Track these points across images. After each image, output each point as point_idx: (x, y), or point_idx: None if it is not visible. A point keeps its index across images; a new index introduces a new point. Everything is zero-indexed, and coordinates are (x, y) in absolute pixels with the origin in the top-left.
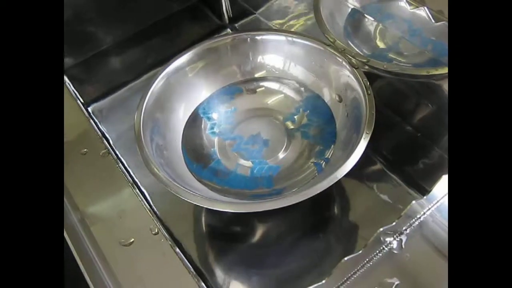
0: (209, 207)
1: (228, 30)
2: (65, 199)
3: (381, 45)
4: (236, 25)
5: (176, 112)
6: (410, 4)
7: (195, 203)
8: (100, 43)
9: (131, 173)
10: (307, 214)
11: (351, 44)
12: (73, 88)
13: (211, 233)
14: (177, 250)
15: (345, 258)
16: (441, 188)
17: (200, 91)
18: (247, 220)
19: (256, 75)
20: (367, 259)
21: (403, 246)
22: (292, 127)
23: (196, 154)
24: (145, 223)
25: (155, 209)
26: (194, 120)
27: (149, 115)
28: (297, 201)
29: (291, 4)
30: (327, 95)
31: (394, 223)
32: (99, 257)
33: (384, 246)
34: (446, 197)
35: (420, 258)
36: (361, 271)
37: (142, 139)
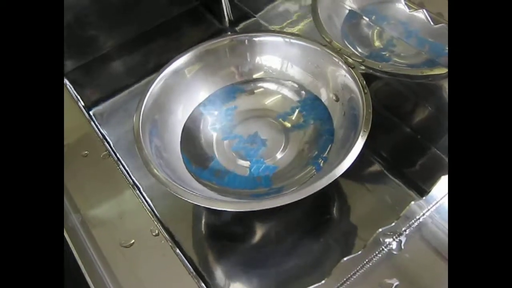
0: (208, 206)
1: (229, 33)
2: (65, 200)
3: (378, 46)
4: (236, 28)
5: (174, 113)
6: (409, 7)
7: (194, 202)
8: (101, 46)
9: (132, 175)
10: (306, 215)
11: (349, 45)
12: (74, 91)
13: (211, 234)
14: (178, 251)
15: (345, 259)
16: (440, 189)
17: (198, 93)
18: (247, 220)
19: (254, 76)
20: (366, 260)
21: (403, 247)
22: (290, 127)
23: (195, 155)
24: (146, 224)
25: (155, 210)
26: (192, 121)
27: (148, 117)
28: (297, 199)
29: (291, 7)
30: (324, 95)
31: (393, 224)
32: (100, 258)
33: (383, 247)
34: (446, 198)
35: (420, 259)
36: (360, 271)
37: (141, 141)
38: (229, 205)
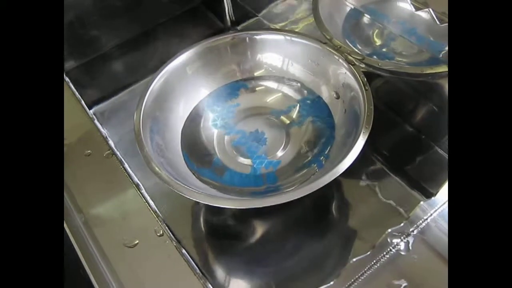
0: (209, 204)
1: (230, 31)
2: (68, 200)
3: (379, 44)
4: (238, 27)
5: (175, 110)
6: (415, 7)
7: (197, 200)
8: (102, 45)
9: (134, 175)
10: (308, 214)
11: (350, 43)
12: (75, 90)
13: (215, 233)
14: (183, 251)
15: (354, 259)
16: (447, 190)
17: (199, 90)
18: (251, 220)
19: (255, 74)
20: (374, 261)
21: (410, 248)
22: (290, 124)
23: (196, 153)
24: (150, 224)
25: (159, 210)
26: (193, 119)
27: (149, 114)
28: (300, 196)
29: (293, 6)
30: (325, 93)
31: (402, 224)
32: (103, 259)
33: (391, 248)
34: None
35: (428, 260)
36: (368, 272)
37: (142, 138)
38: (232, 203)
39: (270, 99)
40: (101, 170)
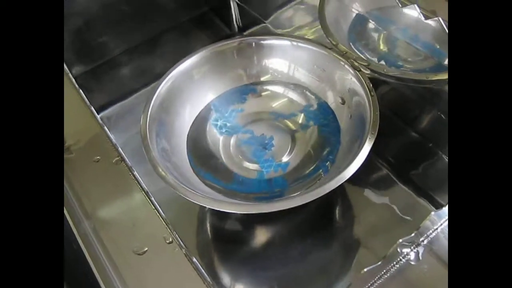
0: (214, 208)
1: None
2: (77, 206)
3: (384, 50)
4: (245, 33)
5: (181, 114)
6: (424, 16)
7: (201, 204)
8: (110, 51)
9: (143, 182)
10: (317, 222)
11: (355, 49)
12: (85, 96)
13: (221, 239)
14: (193, 259)
15: (365, 269)
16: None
17: (206, 94)
18: (258, 225)
19: (262, 79)
20: (384, 270)
21: (420, 258)
22: (296, 129)
23: (201, 158)
24: (159, 231)
25: (168, 217)
26: (199, 123)
27: (155, 118)
28: (305, 202)
29: (300, 13)
30: (331, 98)
31: (413, 234)
32: (112, 265)
33: (401, 258)
34: None
35: (437, 270)
36: (378, 282)
37: (148, 142)
38: (236, 207)
39: (276, 104)
40: (110, 177)
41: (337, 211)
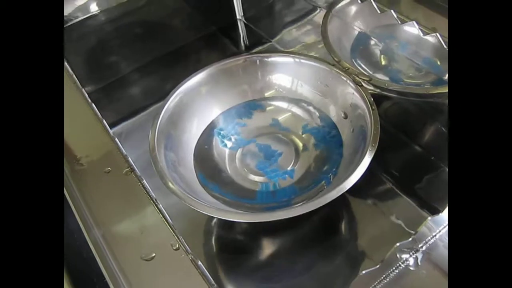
0: (218, 217)
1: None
2: (88, 215)
3: (386, 66)
4: (251, 52)
5: (189, 128)
6: (422, 32)
7: (205, 213)
8: (121, 70)
9: (151, 191)
10: (320, 233)
11: (357, 66)
12: (97, 111)
13: (227, 249)
14: (199, 263)
15: (363, 272)
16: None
17: (212, 109)
18: (262, 236)
19: (266, 95)
20: (383, 276)
21: (419, 263)
22: (300, 144)
23: (208, 170)
24: (166, 238)
25: (176, 225)
26: (206, 137)
27: (163, 132)
28: (307, 211)
29: (306, 32)
30: (333, 113)
31: (410, 239)
32: (121, 271)
33: (400, 263)
34: None
35: (436, 276)
36: (378, 287)
37: (156, 154)
38: (239, 216)
39: (280, 118)
40: (120, 187)
41: (340, 222)
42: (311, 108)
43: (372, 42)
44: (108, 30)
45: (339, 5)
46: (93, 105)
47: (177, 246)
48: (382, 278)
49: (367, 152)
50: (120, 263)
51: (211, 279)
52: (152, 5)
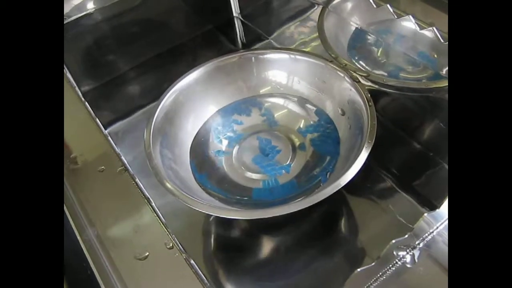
0: (213, 214)
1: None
2: (81, 214)
3: (383, 61)
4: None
5: (184, 126)
6: (419, 26)
7: (201, 210)
8: (117, 69)
9: (145, 190)
10: (318, 231)
11: (355, 62)
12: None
13: (224, 248)
14: (191, 262)
15: (359, 269)
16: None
17: (208, 107)
18: (260, 234)
19: (262, 91)
20: (380, 273)
21: (416, 260)
22: (296, 141)
23: (204, 168)
24: (160, 237)
25: (172, 226)
26: (201, 135)
27: (159, 129)
28: (303, 207)
29: (303, 29)
30: (330, 109)
31: (406, 236)
32: (114, 270)
33: (397, 260)
34: None
35: (434, 273)
36: (374, 284)
37: (151, 151)
38: (233, 213)
39: (277, 115)
40: (114, 185)
41: (339, 221)
42: (308, 104)
43: (369, 38)
44: (104, 28)
45: (336, 1)
46: (87, 104)
47: (171, 245)
48: (378, 275)
49: (364, 149)
50: (113, 262)
51: (204, 278)
52: (148, 3)
